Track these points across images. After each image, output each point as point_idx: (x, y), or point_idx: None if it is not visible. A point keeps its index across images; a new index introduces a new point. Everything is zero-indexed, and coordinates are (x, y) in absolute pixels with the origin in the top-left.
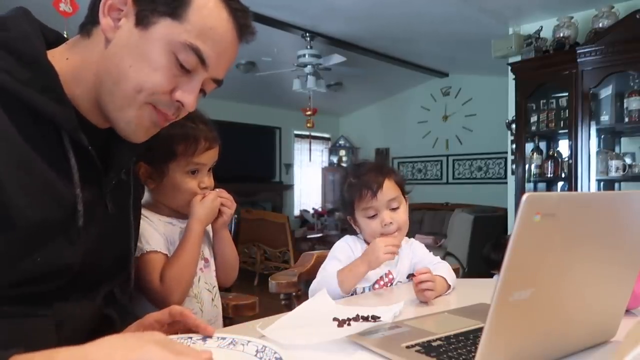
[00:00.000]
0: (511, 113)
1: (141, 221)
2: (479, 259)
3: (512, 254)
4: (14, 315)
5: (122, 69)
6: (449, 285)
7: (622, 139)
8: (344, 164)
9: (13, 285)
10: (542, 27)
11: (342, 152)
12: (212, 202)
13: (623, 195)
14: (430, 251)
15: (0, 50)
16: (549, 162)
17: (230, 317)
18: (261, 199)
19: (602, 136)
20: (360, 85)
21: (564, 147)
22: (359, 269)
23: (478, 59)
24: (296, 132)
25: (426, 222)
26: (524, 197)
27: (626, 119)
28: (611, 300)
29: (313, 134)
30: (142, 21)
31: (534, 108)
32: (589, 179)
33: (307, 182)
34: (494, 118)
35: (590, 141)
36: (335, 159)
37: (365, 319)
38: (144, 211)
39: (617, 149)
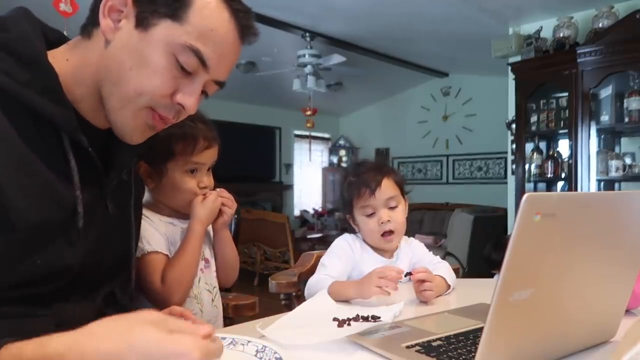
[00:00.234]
0: (511, 113)
1: (142, 221)
2: (479, 259)
3: (512, 254)
4: (14, 316)
5: (122, 71)
6: (449, 286)
7: (622, 139)
8: (344, 164)
9: (13, 286)
10: (542, 27)
11: (342, 152)
12: (213, 202)
13: (623, 195)
14: (430, 251)
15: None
16: (549, 162)
17: (230, 317)
18: (261, 199)
19: (602, 136)
20: (360, 85)
21: (564, 147)
22: (349, 292)
23: (478, 59)
24: (296, 132)
25: (426, 222)
26: (524, 197)
27: (626, 119)
28: (611, 300)
29: (313, 134)
30: (142, 23)
31: (534, 108)
32: (589, 179)
33: (307, 182)
34: (494, 118)
35: (590, 141)
36: (335, 159)
37: (365, 319)
38: (144, 211)
39: (617, 149)
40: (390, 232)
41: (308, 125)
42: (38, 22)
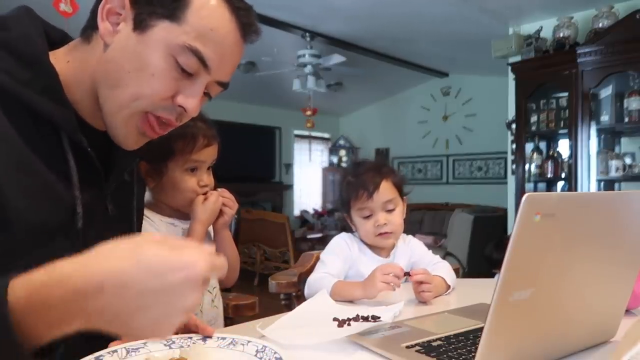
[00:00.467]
0: (511, 113)
1: (143, 221)
2: (479, 259)
3: (512, 254)
4: None
5: (121, 75)
6: (449, 286)
7: (622, 139)
8: (344, 164)
9: None
10: (542, 27)
11: (342, 152)
12: (214, 203)
13: (623, 195)
14: (429, 250)
15: (0, 50)
16: (549, 162)
17: (230, 317)
18: (261, 199)
19: (602, 136)
20: (360, 85)
21: (564, 147)
22: (355, 292)
23: (478, 59)
24: (296, 132)
25: (426, 222)
26: (524, 197)
27: (626, 119)
28: (611, 300)
29: (313, 134)
30: (140, 25)
31: (534, 108)
32: (589, 179)
33: (307, 182)
34: (494, 118)
35: (590, 141)
36: (335, 159)
37: (365, 319)
38: (145, 211)
39: (617, 149)
40: (387, 232)
41: (308, 125)
42: (40, 21)
